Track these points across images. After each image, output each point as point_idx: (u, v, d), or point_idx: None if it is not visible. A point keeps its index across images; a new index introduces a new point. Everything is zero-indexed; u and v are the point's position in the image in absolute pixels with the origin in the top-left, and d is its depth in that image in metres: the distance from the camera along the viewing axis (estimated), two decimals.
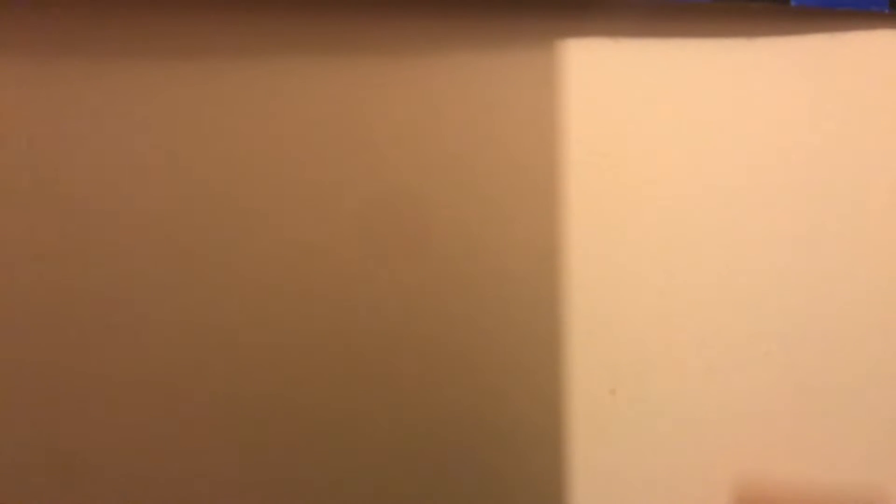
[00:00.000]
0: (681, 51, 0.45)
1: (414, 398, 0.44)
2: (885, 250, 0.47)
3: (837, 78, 0.46)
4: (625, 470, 0.47)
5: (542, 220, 0.44)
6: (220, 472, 0.42)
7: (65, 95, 0.39)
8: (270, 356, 0.42)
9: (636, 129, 0.45)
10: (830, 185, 0.47)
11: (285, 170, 0.41)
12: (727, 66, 0.45)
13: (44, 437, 0.40)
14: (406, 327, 0.43)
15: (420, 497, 0.45)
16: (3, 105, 0.38)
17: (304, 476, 0.43)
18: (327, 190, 0.42)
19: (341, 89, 0.41)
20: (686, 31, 0.45)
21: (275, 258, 0.42)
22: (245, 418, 0.42)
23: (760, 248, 0.46)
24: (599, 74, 0.44)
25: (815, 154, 0.46)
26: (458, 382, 0.44)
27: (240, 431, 0.42)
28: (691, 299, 0.46)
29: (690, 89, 0.45)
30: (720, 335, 0.47)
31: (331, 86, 0.41)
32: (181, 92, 0.40)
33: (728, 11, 0.45)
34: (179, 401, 0.41)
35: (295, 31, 0.41)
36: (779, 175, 0.46)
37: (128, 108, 0.39)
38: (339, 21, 0.41)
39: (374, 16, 0.41)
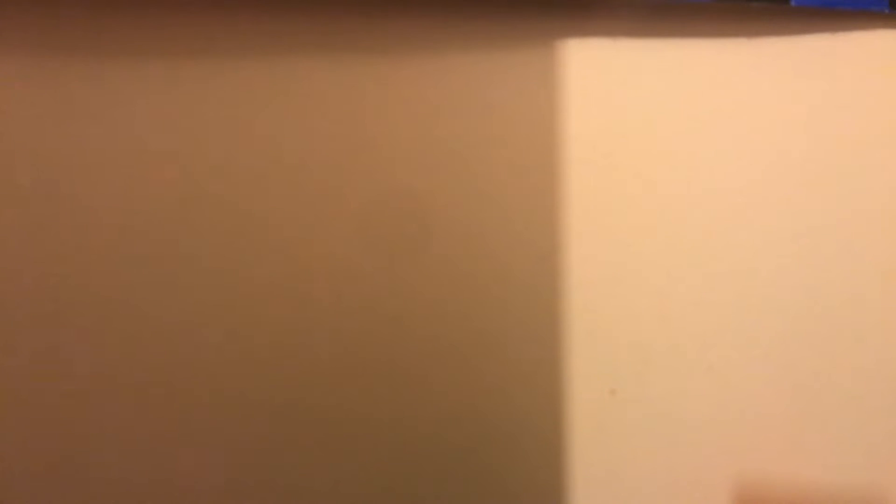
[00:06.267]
0: (681, 51, 0.45)
1: (413, 398, 0.44)
2: (885, 250, 0.47)
3: (837, 78, 0.46)
4: (625, 470, 0.47)
5: (542, 220, 0.44)
6: (220, 472, 0.42)
7: (65, 95, 0.39)
8: (269, 356, 0.42)
9: (636, 130, 0.45)
10: (830, 185, 0.47)
11: (285, 169, 0.41)
12: (727, 66, 0.45)
13: (44, 437, 0.40)
14: (405, 327, 0.43)
15: (420, 497, 0.45)
16: (3, 105, 0.38)
17: (303, 476, 0.43)
18: (326, 189, 0.42)
19: (341, 89, 0.41)
20: (686, 31, 0.45)
21: (274, 258, 0.42)
22: (245, 418, 0.42)
23: (760, 248, 0.46)
24: (599, 74, 0.44)
25: (815, 154, 0.46)
26: (457, 382, 0.44)
27: (240, 432, 0.42)
28: (691, 299, 0.46)
29: (690, 89, 0.45)
30: (720, 335, 0.47)
31: (331, 86, 0.41)
32: (181, 92, 0.40)
33: (728, 11, 0.45)
34: (180, 401, 0.41)
35: (295, 31, 0.41)
36: (779, 175, 0.46)
37: (128, 108, 0.39)
38: (339, 21, 0.41)
39: (374, 16, 0.41)
